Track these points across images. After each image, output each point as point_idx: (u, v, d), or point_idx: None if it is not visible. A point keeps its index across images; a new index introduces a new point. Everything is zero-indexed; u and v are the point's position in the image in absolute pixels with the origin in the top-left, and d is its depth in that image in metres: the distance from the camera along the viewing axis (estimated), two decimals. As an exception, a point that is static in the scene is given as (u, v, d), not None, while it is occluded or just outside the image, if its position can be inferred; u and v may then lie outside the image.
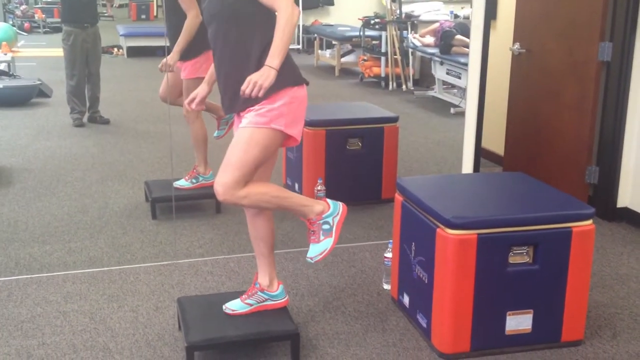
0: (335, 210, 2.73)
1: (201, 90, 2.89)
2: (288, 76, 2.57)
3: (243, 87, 2.44)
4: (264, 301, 2.82)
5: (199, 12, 4.02)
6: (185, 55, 4.18)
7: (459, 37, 7.69)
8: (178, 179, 4.40)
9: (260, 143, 2.56)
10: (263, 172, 2.72)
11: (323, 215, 2.70)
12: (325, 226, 2.70)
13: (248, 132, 2.56)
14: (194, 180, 4.37)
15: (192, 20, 4.09)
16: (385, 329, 2.97)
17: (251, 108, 2.57)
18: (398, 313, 3.08)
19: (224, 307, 2.82)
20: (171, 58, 4.14)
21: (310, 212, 2.70)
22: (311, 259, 2.71)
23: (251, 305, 2.81)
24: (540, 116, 4.61)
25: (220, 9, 2.57)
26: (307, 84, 2.68)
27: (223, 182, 2.55)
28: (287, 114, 2.57)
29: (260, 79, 2.41)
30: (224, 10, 2.57)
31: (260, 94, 2.43)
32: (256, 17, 2.54)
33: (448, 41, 7.76)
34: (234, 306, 2.81)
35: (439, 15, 9.00)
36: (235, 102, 2.64)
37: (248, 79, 2.43)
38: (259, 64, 2.50)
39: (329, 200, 2.75)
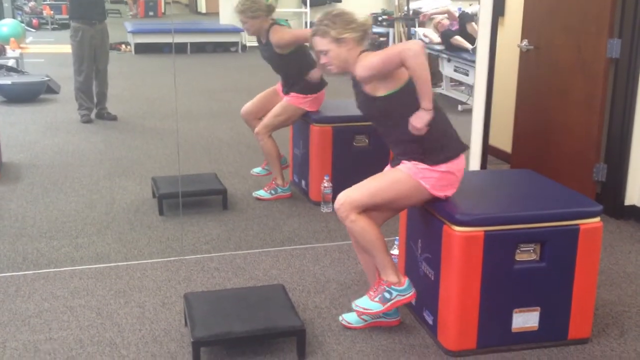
0: (405, 290, 2.79)
1: None
2: (449, 150, 2.68)
3: (410, 128, 2.62)
4: (378, 318, 2.91)
5: None
6: (301, 90, 4.30)
7: (457, 37, 7.74)
8: (185, 175, 4.40)
9: (401, 188, 2.69)
10: (384, 216, 2.84)
11: (392, 286, 2.77)
12: (387, 294, 2.78)
13: (398, 174, 2.70)
14: (272, 192, 4.49)
15: None
16: (391, 326, 2.96)
17: (412, 160, 2.68)
18: (404, 310, 3.07)
19: (340, 318, 2.95)
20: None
21: (385, 275, 2.78)
22: (355, 305, 2.82)
23: (366, 321, 2.91)
24: (548, 113, 4.59)
25: (369, 108, 2.78)
26: (465, 149, 2.76)
27: (348, 195, 2.69)
28: (440, 179, 2.67)
29: (419, 122, 2.59)
30: (369, 109, 2.79)
31: (421, 132, 2.60)
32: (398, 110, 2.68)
33: (447, 40, 7.83)
34: (350, 320, 2.93)
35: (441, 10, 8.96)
36: (398, 157, 2.79)
37: (411, 123, 2.61)
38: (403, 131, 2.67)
39: (407, 281, 2.80)
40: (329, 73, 2.81)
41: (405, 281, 2.80)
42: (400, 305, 2.83)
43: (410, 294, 2.80)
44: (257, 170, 4.67)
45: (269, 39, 4.24)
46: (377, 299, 2.79)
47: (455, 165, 2.70)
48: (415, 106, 2.61)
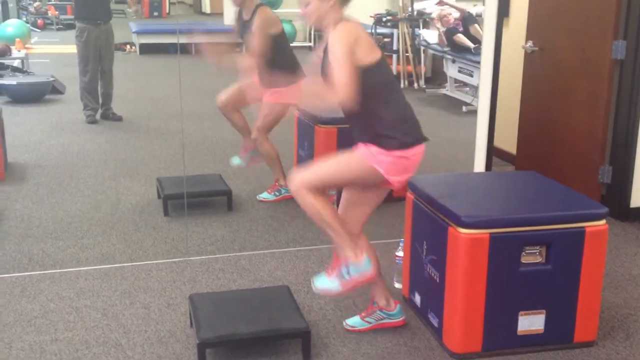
0: (363, 268, 2.71)
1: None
2: (405, 138, 2.66)
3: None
4: (382, 319, 2.93)
5: None
6: (280, 83, 4.08)
7: (460, 35, 7.76)
8: (190, 176, 4.40)
9: (353, 168, 2.69)
10: (358, 214, 2.83)
11: (350, 263, 2.72)
12: (344, 272, 2.73)
13: (351, 156, 2.69)
14: (276, 193, 4.47)
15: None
16: (396, 328, 2.96)
17: (368, 143, 2.65)
18: (409, 312, 3.08)
19: (344, 322, 2.95)
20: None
21: (342, 253, 2.75)
22: (314, 284, 2.80)
23: (370, 323, 2.93)
24: (553, 115, 4.58)
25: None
26: (424, 141, 2.73)
27: (301, 175, 2.66)
28: (394, 164, 2.65)
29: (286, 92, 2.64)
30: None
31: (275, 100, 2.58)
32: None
33: (449, 37, 7.84)
34: (354, 323, 2.96)
35: (452, 13, 8.97)
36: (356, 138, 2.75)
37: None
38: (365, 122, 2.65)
39: (365, 257, 2.72)
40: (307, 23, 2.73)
41: (364, 255, 2.72)
42: (355, 286, 2.74)
43: (368, 272, 2.72)
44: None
45: (253, 17, 4.10)
46: (334, 277, 2.74)
47: (409, 152, 2.65)
48: (379, 87, 2.60)
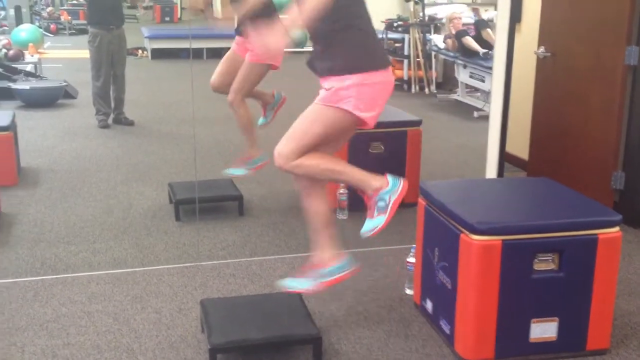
0: (394, 186, 2.69)
1: None
2: (359, 61, 2.58)
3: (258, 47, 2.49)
4: (389, 201, 2.72)
5: None
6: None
7: (468, 38, 7.75)
8: (202, 181, 4.40)
9: (324, 121, 2.62)
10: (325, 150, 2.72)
11: (380, 192, 2.67)
12: (381, 203, 2.67)
13: (316, 108, 2.63)
14: (250, 165, 4.32)
15: None
16: (407, 334, 2.95)
17: (325, 77, 2.56)
18: (421, 319, 3.07)
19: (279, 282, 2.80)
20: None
21: (368, 187, 2.69)
22: (364, 233, 2.71)
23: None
24: (566, 121, 4.56)
25: None
26: (388, 66, 2.65)
27: (280, 150, 2.63)
28: (358, 96, 2.57)
29: (270, 34, 2.40)
30: None
31: (262, 51, 2.49)
32: None
33: (459, 39, 7.84)
34: (372, 225, 2.73)
35: (462, 18, 8.96)
36: (313, 62, 2.68)
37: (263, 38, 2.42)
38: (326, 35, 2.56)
39: (389, 176, 2.71)
40: None
41: (388, 177, 2.70)
42: (399, 203, 2.67)
43: (401, 185, 2.68)
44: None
45: None
46: (376, 213, 2.67)
47: (370, 77, 2.57)
48: (346, 7, 2.52)
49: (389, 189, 2.69)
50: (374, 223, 2.69)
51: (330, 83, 2.60)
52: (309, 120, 2.64)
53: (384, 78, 2.64)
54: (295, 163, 2.61)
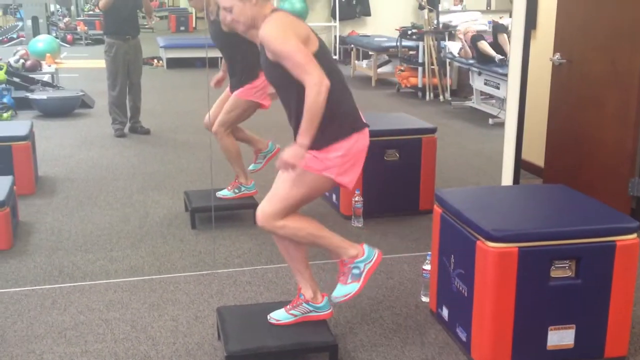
0: (369, 257, 2.77)
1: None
2: (341, 129, 2.63)
3: (277, 165, 2.55)
4: (308, 312, 2.85)
5: None
6: (245, 81, 4.18)
7: (483, 42, 7.75)
8: (218, 189, 4.45)
9: (308, 185, 2.67)
10: None
11: (355, 260, 2.75)
12: (355, 270, 2.75)
13: (302, 172, 2.63)
14: (236, 190, 4.43)
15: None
16: (424, 342, 2.95)
17: (310, 151, 2.59)
18: (437, 326, 3.06)
19: (268, 316, 2.85)
20: None
21: (344, 254, 2.76)
22: (335, 298, 2.78)
23: (295, 316, 2.84)
24: (582, 127, 4.54)
25: (271, 73, 2.68)
26: (365, 127, 2.71)
27: (264, 210, 2.68)
28: (341, 164, 2.65)
29: (291, 158, 2.50)
30: (271, 73, 2.69)
31: (293, 171, 2.55)
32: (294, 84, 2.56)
33: (474, 43, 7.84)
34: (279, 316, 2.85)
35: (476, 25, 8.96)
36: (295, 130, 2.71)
37: (280, 156, 2.52)
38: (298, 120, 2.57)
39: (365, 246, 2.79)
40: (237, 31, 2.66)
41: (364, 246, 2.77)
42: (372, 272, 2.77)
43: (376, 256, 2.76)
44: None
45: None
46: (349, 280, 2.74)
47: (347, 145, 2.62)
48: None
49: (364, 258, 2.76)
50: (347, 289, 2.75)
51: (315, 153, 2.62)
52: (295, 183, 2.65)
53: (358, 143, 2.67)
54: (279, 224, 2.66)
